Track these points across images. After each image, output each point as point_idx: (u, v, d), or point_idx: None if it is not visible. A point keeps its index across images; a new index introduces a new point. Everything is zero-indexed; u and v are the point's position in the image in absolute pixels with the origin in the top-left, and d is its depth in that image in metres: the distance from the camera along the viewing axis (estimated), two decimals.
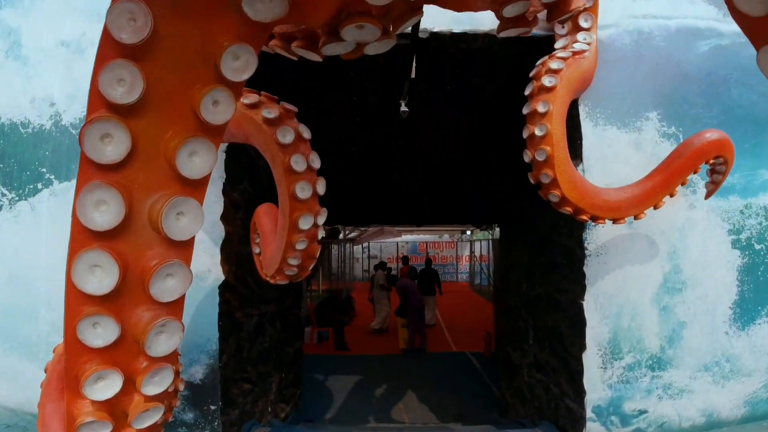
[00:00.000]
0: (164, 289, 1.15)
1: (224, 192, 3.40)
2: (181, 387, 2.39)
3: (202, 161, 1.12)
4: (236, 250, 3.61)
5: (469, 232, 19.94)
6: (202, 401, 3.34)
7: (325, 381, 7.22)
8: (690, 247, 3.34)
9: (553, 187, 2.66)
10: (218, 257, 3.39)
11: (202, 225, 1.23)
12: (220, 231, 3.41)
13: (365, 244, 25.18)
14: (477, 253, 21.26)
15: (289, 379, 5.38)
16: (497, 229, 18.25)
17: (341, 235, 17.94)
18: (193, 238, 1.23)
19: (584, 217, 2.75)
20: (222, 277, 3.39)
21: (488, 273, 18.09)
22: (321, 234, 2.53)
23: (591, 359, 3.47)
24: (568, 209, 2.70)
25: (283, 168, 2.23)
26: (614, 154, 3.48)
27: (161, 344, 1.17)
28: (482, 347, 8.83)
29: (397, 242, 24.30)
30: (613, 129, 3.44)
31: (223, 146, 3.38)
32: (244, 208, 3.81)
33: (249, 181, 3.96)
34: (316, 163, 2.28)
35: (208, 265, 3.40)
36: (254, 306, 4.01)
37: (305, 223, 2.33)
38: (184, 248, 1.21)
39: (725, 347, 3.33)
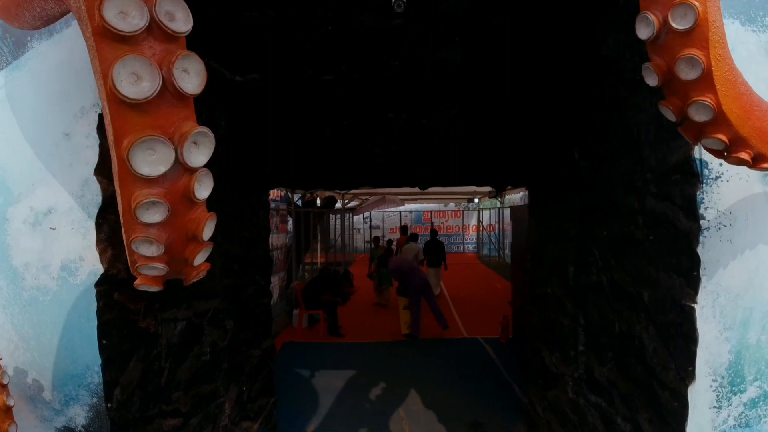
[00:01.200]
0: None
1: (101, 129, 2.07)
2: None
3: None
4: None
5: (477, 200, 18.56)
6: None
7: (310, 378, 6.00)
8: None
9: (705, 91, 1.31)
10: (93, 236, 2.07)
11: None
12: (94, 193, 2.09)
13: (366, 215, 23.88)
14: (486, 223, 19.94)
15: (256, 390, 4.14)
16: (509, 197, 16.91)
17: (339, 204, 16.62)
18: None
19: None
20: (101, 268, 2.09)
21: (498, 244, 16.81)
22: (201, 191, 1.26)
23: (700, 394, 2.18)
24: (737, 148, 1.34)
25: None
26: (740, 60, 2.10)
27: None
28: (497, 332, 7.60)
29: (400, 212, 22.98)
30: (736, 25, 2.13)
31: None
32: None
33: None
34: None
35: (78, 249, 2.10)
36: (178, 306, 2.71)
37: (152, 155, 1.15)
38: None
39: None
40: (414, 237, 13.02)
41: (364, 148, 4.10)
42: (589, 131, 3.15)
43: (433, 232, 12.12)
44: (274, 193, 10.22)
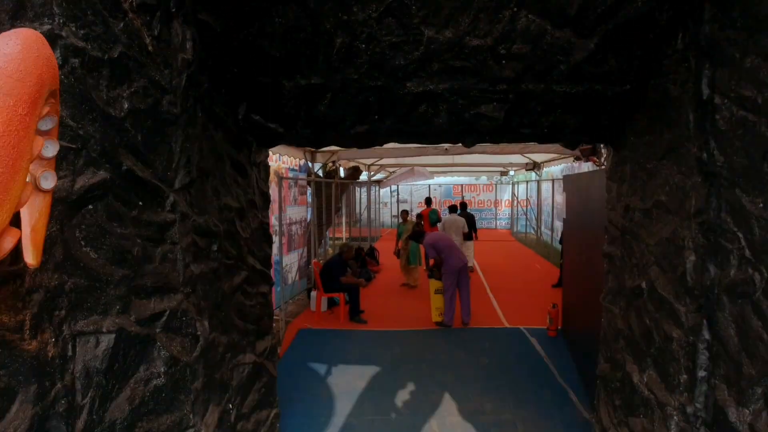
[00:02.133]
0: None
1: None
2: None
3: None
4: None
5: (512, 172, 17.29)
6: None
7: (325, 377, 5.13)
8: None
9: None
10: None
11: None
12: None
13: (393, 187, 22.86)
14: (520, 197, 18.67)
15: (250, 404, 3.25)
16: (546, 170, 15.60)
17: (364, 176, 15.62)
18: None
19: None
20: None
21: (536, 220, 15.60)
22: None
23: None
24: None
25: None
26: None
27: None
28: (542, 321, 6.58)
29: (429, 185, 21.87)
30: None
31: None
32: None
33: None
34: None
35: None
36: (102, 310, 1.77)
37: None
38: None
39: None
40: (454, 208, 11.90)
41: (394, 77, 2.97)
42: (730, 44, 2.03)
43: (463, 205, 11.39)
44: (292, 162, 9.27)
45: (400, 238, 9.36)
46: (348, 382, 4.94)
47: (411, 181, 19.57)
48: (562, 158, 12.63)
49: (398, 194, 23.14)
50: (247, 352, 3.16)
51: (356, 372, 5.19)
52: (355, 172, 11.82)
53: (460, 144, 3.60)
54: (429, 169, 18.36)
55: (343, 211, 16.92)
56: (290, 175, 9.21)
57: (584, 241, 5.06)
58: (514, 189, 19.20)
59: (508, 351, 5.83)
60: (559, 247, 12.88)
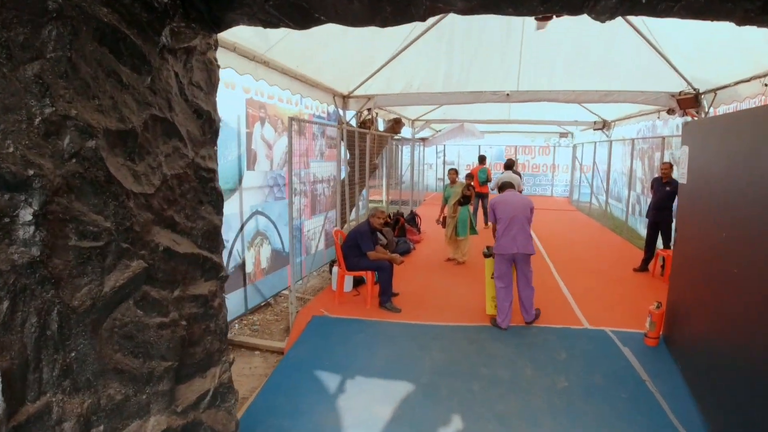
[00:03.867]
0: None
1: None
2: None
3: None
4: None
5: (576, 131, 15.08)
6: None
7: (332, 397, 3.66)
8: None
9: None
10: None
11: None
12: None
13: (440, 148, 20.99)
14: (585, 162, 16.44)
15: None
16: (618, 128, 13.32)
17: (408, 132, 13.88)
18: None
19: None
20: None
21: (604, 187, 13.50)
22: None
23: None
24: None
25: None
26: None
27: None
28: (635, 323, 4.88)
29: (480, 146, 19.84)
30: None
31: None
32: None
33: None
34: None
35: None
36: None
37: None
38: None
39: None
40: (510, 164, 10.56)
41: None
42: None
43: (509, 163, 10.45)
44: (318, 109, 7.69)
45: (446, 204, 7.68)
46: (365, 407, 3.47)
47: (459, 141, 17.64)
48: (642, 115, 10.49)
49: (445, 155, 21.26)
50: (152, 414, 1.69)
51: (378, 390, 3.70)
52: (396, 125, 10.13)
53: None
54: (480, 127, 16.40)
55: (383, 171, 15.35)
56: (316, 126, 7.66)
57: (725, 218, 3.29)
58: (576, 152, 17.00)
59: (592, 365, 4.19)
60: (637, 221, 10.98)
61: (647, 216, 7.68)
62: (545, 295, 5.73)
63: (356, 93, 8.16)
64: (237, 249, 5.64)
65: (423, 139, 15.81)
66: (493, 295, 5.07)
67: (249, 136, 5.86)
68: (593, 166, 14.11)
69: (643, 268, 7.48)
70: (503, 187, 4.97)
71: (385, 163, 18.24)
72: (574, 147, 17.36)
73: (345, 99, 8.21)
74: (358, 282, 6.01)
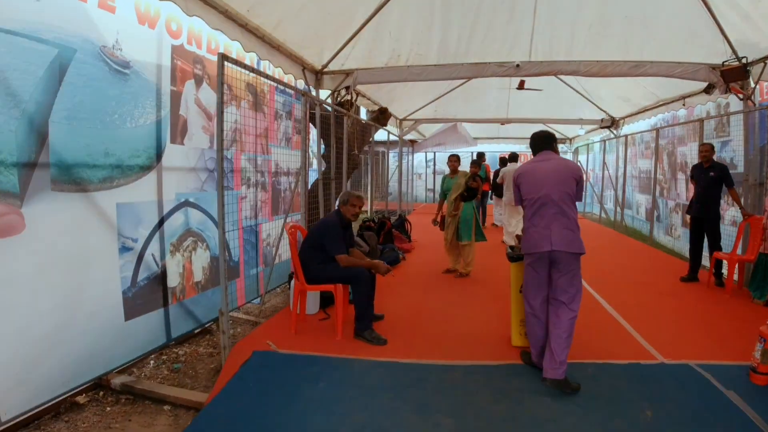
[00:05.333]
0: None
1: None
2: None
3: None
4: None
5: (581, 131, 13.66)
6: None
7: None
8: None
9: None
10: None
11: None
12: None
13: (429, 156, 19.49)
14: (587, 167, 15.06)
15: None
16: (627, 127, 11.87)
17: (395, 130, 12.33)
18: None
19: None
20: None
21: (617, 196, 12.04)
22: None
23: None
24: None
25: None
26: None
27: None
28: (720, 350, 3.29)
29: (472, 152, 18.33)
30: None
31: None
32: None
33: None
34: None
35: None
36: None
37: None
38: None
39: None
40: (514, 157, 9.67)
41: None
42: None
43: (503, 161, 9.99)
44: (287, 82, 6.10)
45: (444, 200, 6.05)
46: None
47: (450, 147, 16.13)
48: (659, 106, 9.08)
49: (435, 164, 19.76)
50: None
51: None
52: (381, 115, 8.57)
53: None
54: (473, 133, 14.91)
55: (367, 177, 13.70)
56: (279, 98, 6.06)
57: None
58: (577, 156, 15.58)
59: (695, 427, 2.54)
60: (658, 228, 9.38)
61: (688, 212, 6.18)
62: (588, 317, 4.08)
63: (332, 68, 6.60)
64: (151, 253, 3.95)
65: (412, 142, 14.27)
66: (522, 317, 3.43)
67: (176, 96, 4.23)
68: (603, 168, 12.66)
69: (692, 277, 5.95)
70: (535, 147, 3.28)
71: (370, 170, 16.66)
72: (576, 150, 16.00)
73: (319, 75, 6.65)
74: (329, 300, 4.32)
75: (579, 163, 15.64)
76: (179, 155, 4.27)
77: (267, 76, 4.55)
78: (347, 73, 6.66)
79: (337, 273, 3.64)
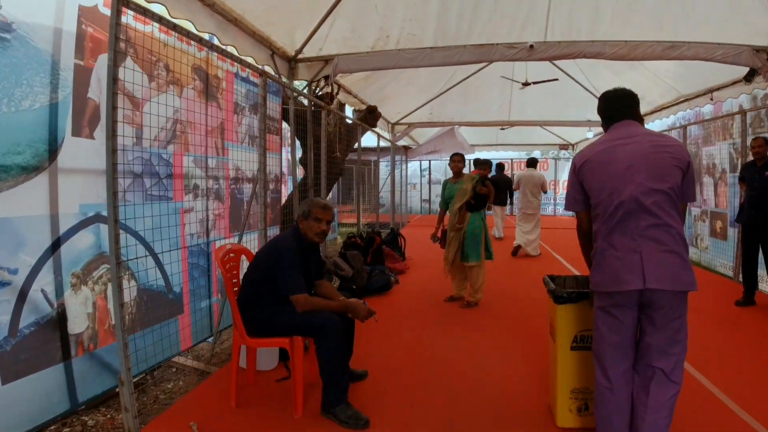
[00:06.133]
0: None
1: None
2: None
3: None
4: None
5: (590, 134, 12.62)
6: None
7: None
8: None
9: None
10: None
11: None
12: None
13: (425, 165, 18.41)
14: None
15: None
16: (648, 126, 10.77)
17: (388, 135, 11.22)
18: None
19: None
20: None
21: None
22: None
23: None
24: None
25: None
26: None
27: None
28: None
29: (470, 161, 17.33)
30: None
31: None
32: None
33: None
34: None
35: None
36: None
37: None
38: None
39: None
40: (532, 162, 8.82)
41: None
42: None
43: (532, 161, 8.86)
44: (248, 70, 4.95)
45: (446, 211, 4.89)
46: None
47: (446, 155, 15.05)
48: (679, 103, 8.05)
49: (430, 173, 18.67)
50: None
51: None
52: (369, 114, 7.46)
53: None
54: (469, 140, 13.83)
55: (359, 188, 12.61)
56: (239, 87, 4.92)
57: None
58: None
59: None
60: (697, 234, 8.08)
61: (738, 220, 5.15)
62: None
63: (307, 53, 5.50)
64: (41, 288, 2.79)
65: (406, 148, 13.18)
66: (574, 385, 2.27)
67: (82, 73, 3.09)
68: None
69: (748, 300, 4.90)
70: (610, 115, 2.07)
71: (362, 179, 15.52)
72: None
73: (292, 63, 5.54)
74: (284, 356, 3.13)
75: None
76: (86, 153, 3.11)
77: (205, 43, 3.41)
78: (326, 60, 5.56)
79: (293, 321, 2.46)
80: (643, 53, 5.27)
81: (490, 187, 4.54)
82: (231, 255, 2.73)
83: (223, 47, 3.87)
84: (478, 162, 5.49)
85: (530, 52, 5.20)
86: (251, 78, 5.02)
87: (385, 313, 4.42)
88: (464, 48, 5.28)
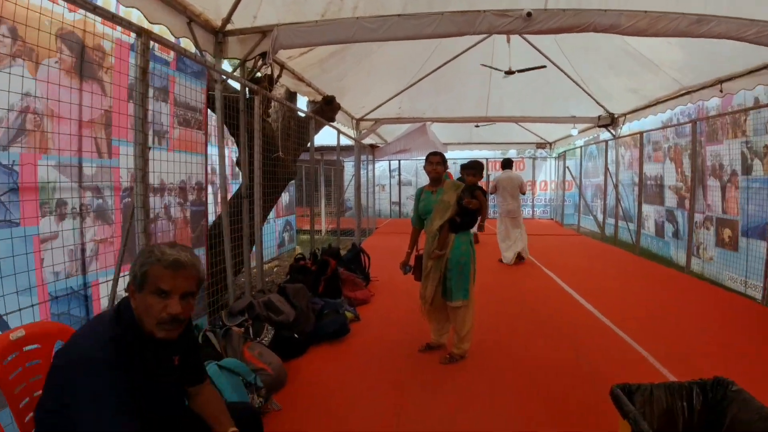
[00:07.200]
0: None
1: None
2: None
3: None
4: None
5: (575, 130, 11.63)
6: None
7: None
8: None
9: None
10: None
11: None
12: None
13: (394, 166, 17.18)
14: (577, 174, 13.11)
15: None
16: (629, 125, 9.53)
17: (352, 132, 9.92)
18: None
19: None
20: None
21: (616, 203, 10.03)
22: None
23: None
24: None
25: None
26: None
27: None
28: None
29: (453, 163, 16.24)
30: None
31: None
32: None
33: None
34: None
35: None
36: None
37: None
38: None
39: None
40: (508, 163, 8.18)
41: None
42: None
43: (507, 162, 8.27)
44: (165, 48, 3.56)
45: (420, 229, 3.63)
46: None
47: (417, 154, 13.86)
48: (678, 97, 7.12)
49: (400, 173, 17.45)
50: None
51: None
52: (327, 106, 6.19)
53: None
54: (442, 138, 12.70)
55: (320, 190, 11.26)
56: (150, 66, 3.57)
57: None
58: (565, 162, 13.65)
59: None
60: (677, 244, 7.18)
61: None
62: None
63: (238, 23, 4.20)
64: None
65: (372, 147, 11.94)
66: None
67: None
68: (605, 174, 10.65)
69: None
70: None
71: (328, 181, 14.21)
72: (563, 155, 14.05)
73: (219, 36, 4.22)
74: None
75: (567, 169, 13.68)
76: None
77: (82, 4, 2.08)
78: (263, 32, 4.26)
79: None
80: (665, 27, 4.18)
81: (482, 198, 3.32)
82: (28, 348, 1.41)
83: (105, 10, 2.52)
84: (465, 166, 4.26)
85: (527, 22, 4.03)
86: (159, 53, 3.68)
87: (338, 377, 3.17)
88: (441, 16, 4.06)
